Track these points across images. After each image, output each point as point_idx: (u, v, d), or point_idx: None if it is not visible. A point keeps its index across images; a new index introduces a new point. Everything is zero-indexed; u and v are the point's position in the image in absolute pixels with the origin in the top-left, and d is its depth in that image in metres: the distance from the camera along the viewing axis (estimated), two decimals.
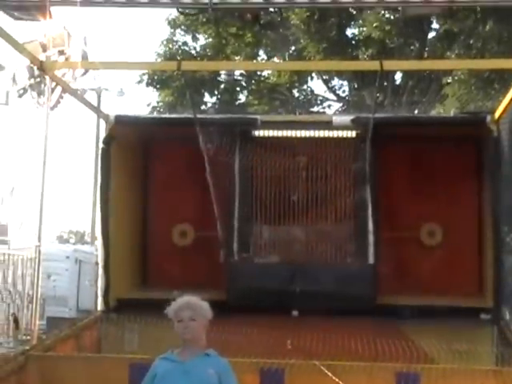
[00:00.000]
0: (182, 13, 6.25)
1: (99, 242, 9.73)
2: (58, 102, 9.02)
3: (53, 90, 8.64)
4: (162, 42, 27.79)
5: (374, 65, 9.72)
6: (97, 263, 10.59)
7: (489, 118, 9.20)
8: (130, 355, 7.87)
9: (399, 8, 5.49)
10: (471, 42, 20.51)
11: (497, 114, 9.18)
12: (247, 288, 9.06)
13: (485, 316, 9.05)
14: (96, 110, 9.77)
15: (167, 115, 21.85)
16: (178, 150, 9.88)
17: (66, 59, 9.08)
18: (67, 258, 27.37)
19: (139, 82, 27.13)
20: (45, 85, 8.58)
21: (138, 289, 9.99)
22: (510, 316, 9.45)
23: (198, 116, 9.56)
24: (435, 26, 23.07)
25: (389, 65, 10.27)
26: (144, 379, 5.72)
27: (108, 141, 9.53)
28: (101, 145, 9.58)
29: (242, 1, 5.35)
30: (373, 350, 8.40)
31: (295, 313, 8.95)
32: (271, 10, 6.47)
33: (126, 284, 9.74)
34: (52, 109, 8.67)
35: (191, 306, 5.62)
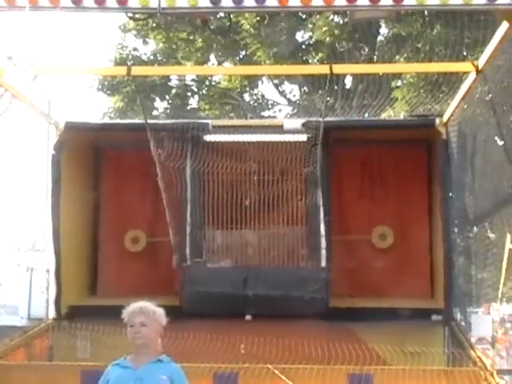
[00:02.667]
0: (130, 18, 6.23)
1: (50, 249, 9.63)
2: (7, 108, 8.92)
3: (1, 96, 8.55)
4: (113, 48, 27.65)
5: (323, 69, 9.78)
6: (48, 270, 10.49)
7: (438, 120, 9.31)
8: (82, 363, 7.82)
9: (347, 12, 5.55)
10: (419, 45, 20.71)
11: (445, 117, 9.29)
12: (200, 293, 9.04)
13: (436, 317, 9.15)
14: (46, 116, 9.67)
15: (118, 121, 21.77)
16: (129, 156, 9.84)
17: (15, 65, 8.98)
18: (18, 265, 27.07)
19: (90, 87, 26.96)
20: None
21: (90, 296, 9.93)
22: (461, 317, 9.57)
23: (149, 121, 9.53)
24: (384, 30, 23.29)
25: (338, 69, 10.35)
26: None
27: (58, 147, 9.46)
28: (51, 151, 9.50)
29: (190, 5, 5.34)
30: (326, 353, 8.43)
31: (248, 317, 8.96)
32: (220, 14, 6.46)
33: (77, 291, 9.67)
34: (1, 115, 8.57)
35: (144, 312, 5.59)
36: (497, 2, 5.41)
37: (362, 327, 9.03)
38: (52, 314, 9.49)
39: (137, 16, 6.50)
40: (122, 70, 11.60)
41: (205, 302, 8.98)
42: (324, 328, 8.93)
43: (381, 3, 5.39)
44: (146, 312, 5.58)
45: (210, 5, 5.38)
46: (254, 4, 5.39)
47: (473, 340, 11.21)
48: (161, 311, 5.67)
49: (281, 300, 8.90)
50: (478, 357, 7.95)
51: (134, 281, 9.63)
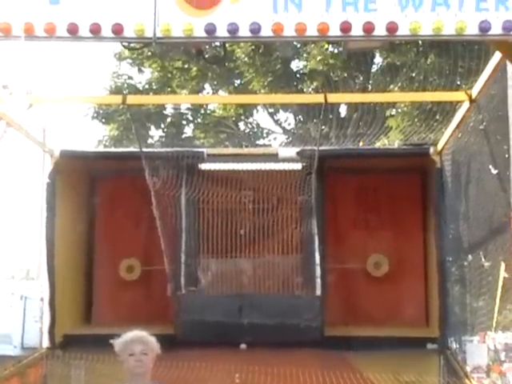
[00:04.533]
0: (126, 47, 6.28)
1: (45, 278, 9.61)
2: (1, 136, 8.93)
3: None
4: (108, 76, 27.74)
5: (318, 98, 9.83)
6: (42, 299, 10.46)
7: (432, 149, 9.34)
8: None
9: (340, 42, 5.62)
10: (413, 74, 20.81)
11: (440, 146, 9.32)
12: (195, 321, 9.02)
13: (431, 346, 9.12)
14: (40, 144, 9.68)
15: (113, 149, 21.81)
16: (124, 184, 9.83)
17: (10, 94, 9.01)
18: (12, 294, 26.96)
19: (85, 115, 26.99)
20: None
21: (85, 324, 9.89)
22: (456, 345, 9.55)
23: (144, 150, 9.55)
24: (378, 59, 23.42)
25: (333, 97, 10.39)
26: None
27: (53, 175, 9.46)
28: (46, 179, 9.51)
29: (185, 35, 5.37)
30: (321, 382, 8.40)
31: (243, 346, 8.93)
32: (216, 43, 6.51)
33: (72, 320, 9.64)
34: None
35: (144, 341, 5.59)
36: (489, 33, 5.45)
37: (357, 356, 8.99)
38: (46, 342, 9.44)
39: (132, 45, 6.55)
40: (117, 99, 11.65)
41: (199, 331, 8.96)
42: (319, 357, 8.89)
43: (375, 33, 5.44)
44: (145, 341, 5.59)
45: (204, 35, 5.42)
46: (248, 34, 5.42)
47: (468, 369, 11.18)
48: (155, 340, 5.68)
49: (276, 328, 8.88)
50: None
51: (128, 309, 9.60)
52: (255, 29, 5.41)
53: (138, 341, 5.58)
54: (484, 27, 5.44)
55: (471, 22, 5.43)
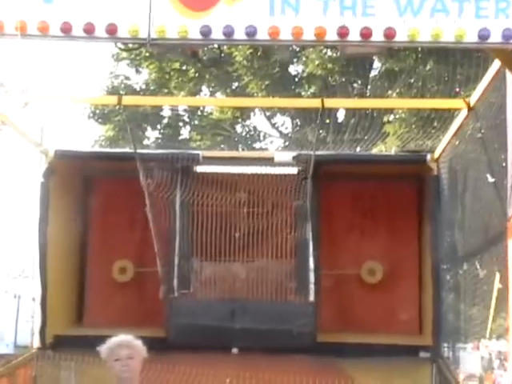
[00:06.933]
0: (120, 48, 6.24)
1: (36, 277, 9.56)
2: None
3: None
4: (105, 76, 27.73)
5: (315, 102, 9.79)
6: (34, 299, 10.40)
7: (429, 156, 9.31)
8: None
9: (337, 47, 5.57)
10: (412, 81, 20.79)
11: (437, 153, 9.29)
12: (187, 325, 8.97)
13: (424, 354, 9.08)
14: (35, 143, 9.63)
15: (108, 149, 21.76)
16: (118, 185, 9.79)
17: (6, 92, 8.95)
18: (5, 292, 26.92)
19: (81, 115, 26.96)
20: None
21: (76, 325, 9.84)
22: (449, 353, 9.51)
23: (139, 151, 9.50)
24: (377, 64, 23.41)
25: (330, 102, 10.36)
26: None
27: (47, 175, 9.42)
28: (40, 179, 9.46)
29: (180, 37, 5.32)
30: None
31: (235, 350, 8.88)
32: (212, 46, 6.46)
33: (63, 320, 9.59)
34: None
35: (129, 345, 5.55)
36: (488, 41, 5.41)
37: (350, 363, 8.95)
38: (37, 343, 9.39)
39: (127, 46, 6.50)
40: (112, 99, 11.60)
41: (191, 334, 8.91)
42: (311, 363, 8.86)
43: (372, 39, 5.38)
44: (131, 345, 5.55)
45: (200, 37, 5.37)
46: (244, 37, 5.37)
47: (461, 377, 11.15)
48: (141, 344, 5.64)
49: (268, 333, 8.84)
50: None
51: (120, 311, 9.55)
52: (251, 32, 5.35)
53: (123, 345, 5.54)
54: (483, 35, 5.38)
55: (470, 30, 5.38)
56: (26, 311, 25.59)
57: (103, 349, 5.59)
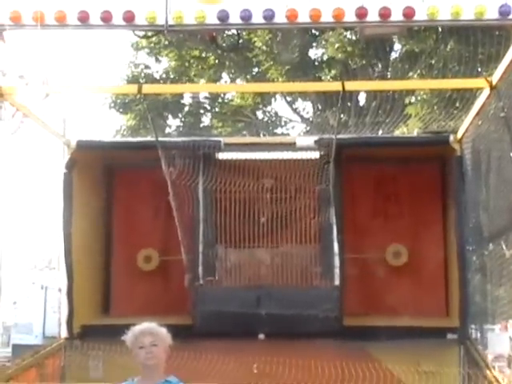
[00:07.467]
0: (137, 35, 6.23)
1: (62, 268, 9.60)
2: (18, 127, 8.91)
3: (13, 115, 8.54)
4: (125, 66, 27.74)
5: (336, 86, 9.73)
6: (60, 289, 10.45)
7: (452, 137, 9.23)
8: (94, 383, 7.75)
9: (356, 29, 5.52)
10: (433, 62, 20.68)
11: (459, 134, 9.21)
12: (213, 312, 8.97)
13: (451, 336, 9.03)
14: (57, 134, 9.65)
15: (129, 139, 21.79)
16: (141, 174, 9.80)
17: (26, 84, 8.97)
18: (33, 283, 27.11)
19: (102, 105, 27.02)
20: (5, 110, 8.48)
21: (103, 315, 9.88)
22: (477, 335, 9.46)
23: (161, 139, 9.49)
24: (397, 46, 23.28)
25: (351, 85, 10.27)
26: None
27: (70, 165, 9.43)
28: (63, 170, 9.48)
29: (197, 22, 5.29)
30: (340, 372, 8.34)
31: (261, 336, 8.88)
32: (230, 32, 6.44)
33: (89, 310, 9.62)
34: (12, 134, 8.57)
35: (153, 332, 5.55)
36: (510, 17, 5.34)
37: (377, 346, 8.93)
38: (64, 333, 9.44)
39: (143, 34, 6.48)
40: (133, 88, 11.57)
41: (217, 321, 8.91)
42: (338, 347, 8.84)
43: (391, 19, 5.33)
44: (154, 332, 5.54)
45: (217, 22, 5.34)
46: (262, 21, 5.33)
47: (489, 357, 11.09)
48: (166, 331, 5.63)
49: (294, 319, 8.82)
50: (494, 376, 7.84)
51: (146, 300, 9.58)
52: (269, 15, 5.31)
53: (146, 332, 5.54)
54: (504, 11, 5.34)
55: (491, 6, 5.33)
56: (53, 302, 25.79)
57: (128, 337, 5.59)
